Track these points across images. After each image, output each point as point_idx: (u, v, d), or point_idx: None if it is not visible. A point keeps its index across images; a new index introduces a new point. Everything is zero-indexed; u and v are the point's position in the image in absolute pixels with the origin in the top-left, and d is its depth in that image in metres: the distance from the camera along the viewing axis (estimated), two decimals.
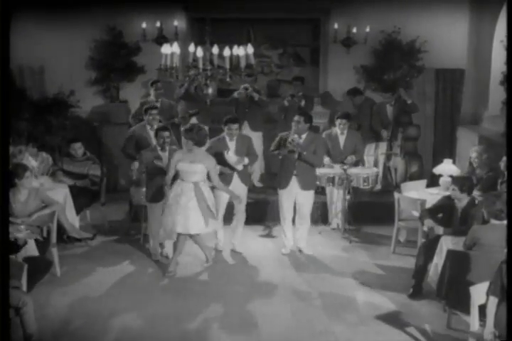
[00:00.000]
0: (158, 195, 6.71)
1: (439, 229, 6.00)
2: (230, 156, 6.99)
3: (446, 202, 6.20)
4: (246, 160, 7.02)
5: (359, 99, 9.05)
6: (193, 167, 6.33)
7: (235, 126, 6.98)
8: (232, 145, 7.02)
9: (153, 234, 6.91)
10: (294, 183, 6.98)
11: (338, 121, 7.82)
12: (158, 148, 6.83)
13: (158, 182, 6.68)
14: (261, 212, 8.16)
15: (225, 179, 6.91)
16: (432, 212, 6.27)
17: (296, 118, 6.93)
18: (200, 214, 6.33)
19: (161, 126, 7.22)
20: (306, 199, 7.08)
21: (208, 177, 6.50)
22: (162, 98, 8.75)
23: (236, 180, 7.04)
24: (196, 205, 6.32)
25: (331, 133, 7.90)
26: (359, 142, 7.96)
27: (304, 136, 6.93)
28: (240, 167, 6.99)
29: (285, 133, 7.13)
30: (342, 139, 7.84)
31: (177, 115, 8.67)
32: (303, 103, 8.80)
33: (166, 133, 6.81)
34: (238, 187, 7.02)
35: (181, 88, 8.72)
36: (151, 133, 7.48)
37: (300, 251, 7.23)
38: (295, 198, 7.08)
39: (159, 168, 6.72)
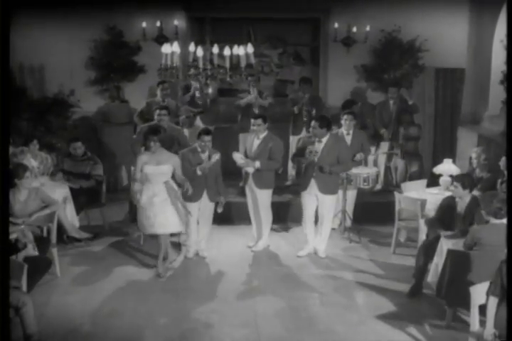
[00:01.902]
0: (197, 195, 6.77)
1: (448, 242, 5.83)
2: (236, 156, 7.00)
3: (448, 202, 6.17)
4: (257, 164, 6.94)
5: (355, 108, 8.99)
6: (160, 169, 6.40)
7: (258, 121, 6.97)
8: (255, 143, 7.02)
9: (189, 232, 6.99)
10: (313, 186, 6.91)
11: (344, 117, 7.74)
12: (199, 150, 6.79)
13: (198, 183, 6.71)
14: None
15: (244, 178, 7.17)
16: (437, 220, 6.18)
17: (312, 124, 6.88)
18: (175, 213, 6.43)
19: (204, 128, 7.20)
20: (326, 203, 6.98)
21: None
22: (168, 98, 8.76)
23: (251, 181, 7.08)
24: (171, 205, 6.41)
25: (337, 134, 7.84)
26: (365, 141, 7.89)
27: (324, 139, 6.85)
28: (249, 169, 6.96)
29: (306, 135, 7.11)
30: (348, 139, 7.73)
31: (181, 115, 8.66)
32: (314, 111, 8.69)
33: (208, 138, 6.73)
34: (253, 190, 7.08)
35: (186, 95, 8.69)
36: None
37: (315, 253, 7.18)
38: (317, 201, 7.01)
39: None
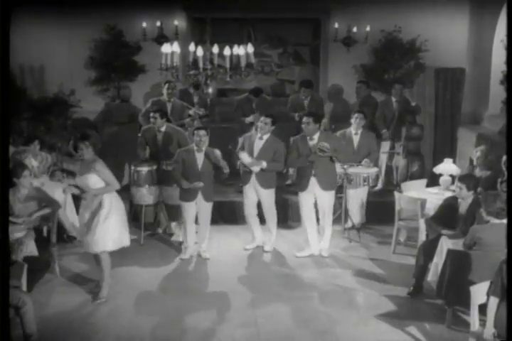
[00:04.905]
0: (192, 195, 6.77)
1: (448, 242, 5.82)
2: (243, 156, 6.94)
3: (450, 203, 6.16)
4: (264, 164, 6.89)
5: (365, 91, 9.04)
6: (82, 179, 5.73)
7: (267, 120, 6.93)
8: (258, 144, 6.97)
9: (186, 233, 6.98)
10: (313, 184, 6.88)
11: (355, 115, 7.73)
12: (195, 148, 6.76)
13: (192, 182, 6.70)
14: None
15: (244, 178, 7.05)
16: (437, 218, 6.19)
17: (304, 119, 6.84)
18: (116, 229, 5.85)
19: (199, 125, 7.17)
20: (327, 199, 6.96)
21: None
22: (174, 98, 8.73)
23: (253, 181, 7.02)
24: (115, 219, 5.84)
25: (345, 133, 7.80)
26: (373, 142, 7.88)
27: (315, 136, 6.84)
28: (255, 168, 6.92)
29: (296, 137, 7.10)
30: (356, 139, 7.74)
31: (187, 116, 8.64)
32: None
33: (202, 132, 6.70)
34: (258, 190, 7.03)
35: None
36: (159, 135, 7.52)
37: (320, 253, 7.12)
38: (315, 199, 6.98)
39: (194, 167, 6.72)
